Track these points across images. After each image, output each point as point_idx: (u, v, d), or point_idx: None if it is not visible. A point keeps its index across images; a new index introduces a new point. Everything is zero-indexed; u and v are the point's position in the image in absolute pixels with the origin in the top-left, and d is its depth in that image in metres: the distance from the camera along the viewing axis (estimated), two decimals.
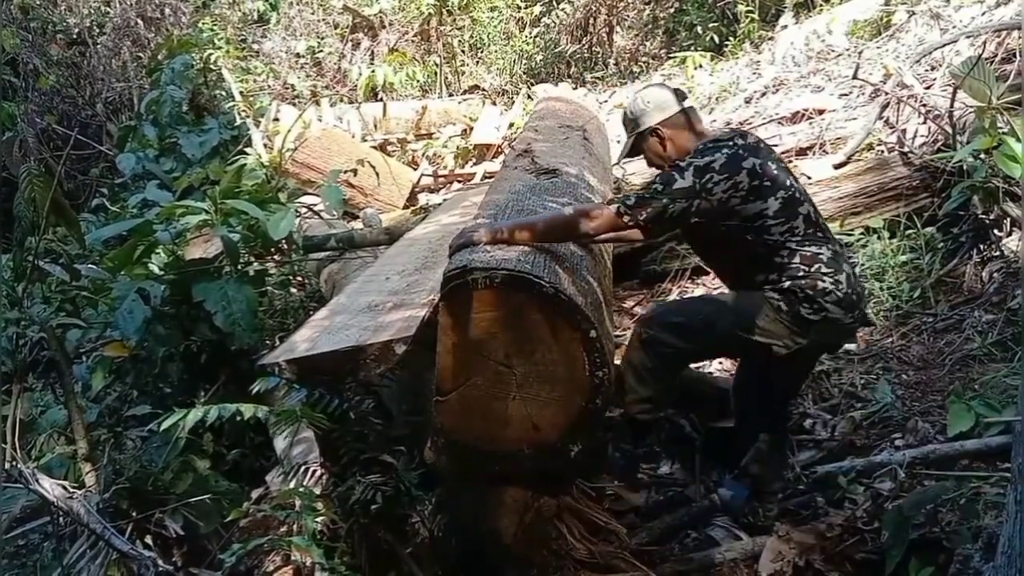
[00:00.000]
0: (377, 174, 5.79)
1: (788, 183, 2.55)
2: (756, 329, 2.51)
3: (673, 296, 4.29)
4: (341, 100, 9.27)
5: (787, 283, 2.48)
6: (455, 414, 2.21)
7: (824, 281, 2.48)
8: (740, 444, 2.83)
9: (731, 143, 2.52)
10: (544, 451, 2.23)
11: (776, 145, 5.22)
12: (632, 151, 2.75)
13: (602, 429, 2.41)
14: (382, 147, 7.94)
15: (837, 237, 2.85)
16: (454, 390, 2.19)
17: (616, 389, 2.58)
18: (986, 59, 4.31)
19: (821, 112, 5.58)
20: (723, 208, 2.45)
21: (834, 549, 2.54)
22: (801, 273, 2.48)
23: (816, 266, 2.48)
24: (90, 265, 3.75)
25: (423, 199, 7.31)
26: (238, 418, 2.45)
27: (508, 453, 2.23)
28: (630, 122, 2.68)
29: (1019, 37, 4.67)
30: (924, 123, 4.66)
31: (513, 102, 8.75)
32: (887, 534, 2.44)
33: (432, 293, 2.86)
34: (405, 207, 7.12)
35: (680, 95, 2.64)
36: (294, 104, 8.70)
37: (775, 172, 2.53)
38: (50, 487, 2.41)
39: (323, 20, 10.84)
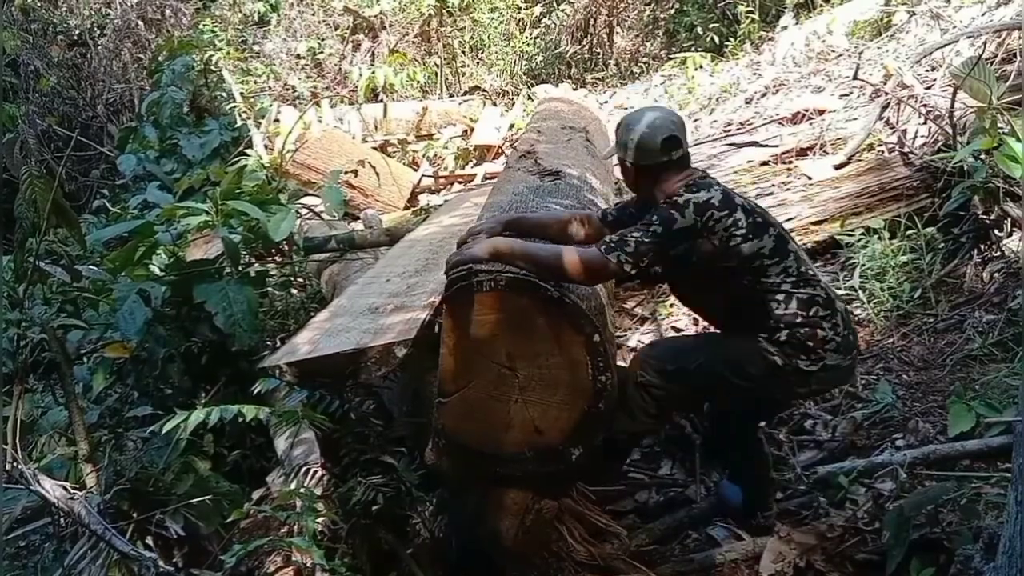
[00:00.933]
0: (378, 175, 5.81)
1: (773, 220, 2.48)
2: (753, 382, 2.42)
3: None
4: (341, 101, 9.27)
5: (784, 335, 2.36)
6: (457, 416, 2.21)
7: (823, 328, 2.37)
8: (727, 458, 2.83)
9: (717, 182, 2.45)
10: (546, 454, 2.24)
11: (776, 145, 5.24)
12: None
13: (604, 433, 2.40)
14: (382, 148, 7.94)
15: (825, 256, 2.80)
16: (456, 392, 2.19)
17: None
18: (986, 59, 4.31)
19: (821, 112, 5.58)
20: (724, 248, 2.33)
21: (835, 550, 2.53)
22: (799, 320, 2.36)
23: (814, 310, 2.37)
24: (91, 266, 3.76)
25: (424, 200, 7.31)
26: (240, 420, 2.46)
27: (510, 456, 2.24)
28: (617, 139, 2.53)
29: (1019, 37, 4.66)
30: (924, 123, 4.66)
31: (513, 103, 8.76)
32: (888, 534, 2.44)
33: (433, 295, 2.86)
34: (406, 208, 7.12)
35: (670, 144, 2.41)
36: (295, 105, 8.71)
37: (761, 209, 2.48)
38: (51, 488, 2.41)
39: (324, 21, 10.85)
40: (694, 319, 3.93)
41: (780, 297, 2.38)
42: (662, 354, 2.55)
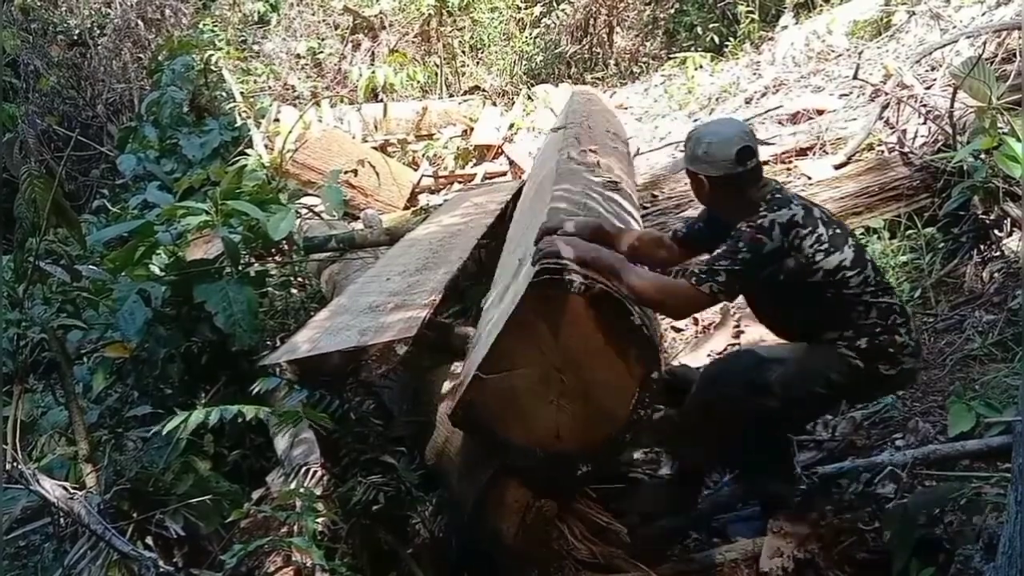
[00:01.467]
0: (377, 175, 5.81)
1: (848, 228, 2.47)
2: (835, 389, 2.43)
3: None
4: (341, 101, 9.25)
5: (864, 342, 2.38)
6: (489, 393, 2.19)
7: (900, 334, 2.40)
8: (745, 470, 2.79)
9: (793, 195, 2.42)
10: (556, 460, 2.24)
11: (776, 145, 5.24)
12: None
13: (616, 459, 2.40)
14: (382, 148, 7.94)
15: None
16: (500, 372, 2.17)
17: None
18: (986, 59, 4.31)
19: (821, 112, 5.58)
20: (809, 264, 2.32)
21: (832, 537, 2.53)
22: (879, 329, 2.38)
23: (892, 318, 2.40)
24: (91, 266, 3.75)
25: (424, 200, 7.31)
26: (240, 420, 2.46)
27: (520, 448, 2.23)
28: (687, 153, 2.46)
29: (1019, 37, 4.66)
30: (924, 123, 4.66)
31: (513, 103, 8.75)
32: (890, 534, 2.44)
33: (433, 293, 2.87)
34: (405, 208, 7.12)
35: (744, 155, 2.36)
36: (294, 105, 8.71)
37: (836, 218, 2.46)
38: (51, 488, 2.41)
39: (323, 21, 10.84)
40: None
41: (860, 308, 2.38)
42: (739, 368, 2.50)
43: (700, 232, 2.60)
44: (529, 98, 8.36)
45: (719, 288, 2.27)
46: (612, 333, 2.17)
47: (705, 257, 2.44)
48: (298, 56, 10.43)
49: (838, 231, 2.38)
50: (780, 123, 5.66)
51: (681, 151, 2.49)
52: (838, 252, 2.35)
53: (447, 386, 2.79)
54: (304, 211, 5.62)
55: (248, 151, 7.01)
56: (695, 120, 6.82)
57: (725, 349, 3.81)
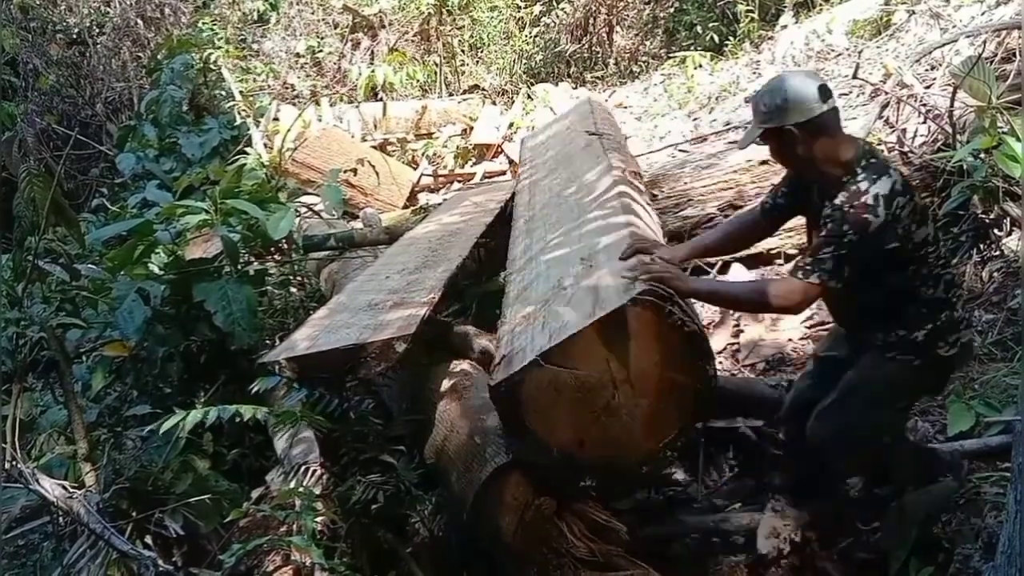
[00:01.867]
0: (377, 174, 5.81)
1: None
2: (912, 395, 2.47)
3: None
4: (341, 100, 9.26)
5: (921, 334, 2.32)
6: (538, 381, 2.15)
7: (958, 309, 2.37)
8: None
9: (883, 155, 2.33)
10: (566, 464, 2.24)
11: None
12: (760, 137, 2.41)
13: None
14: (382, 147, 7.94)
15: None
16: (558, 365, 2.14)
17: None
18: (986, 59, 4.31)
19: None
20: (906, 236, 2.22)
21: (830, 523, 2.55)
22: (940, 308, 2.32)
23: (953, 291, 2.36)
24: (90, 265, 3.75)
25: (423, 199, 7.32)
26: (237, 419, 2.45)
27: (537, 441, 2.22)
28: (762, 113, 2.33)
29: (1019, 37, 4.66)
30: (924, 123, 4.66)
31: (513, 102, 8.75)
32: (889, 533, 2.44)
33: (433, 291, 2.87)
34: (405, 207, 7.12)
35: (825, 92, 2.29)
36: (294, 104, 8.71)
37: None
38: (50, 487, 2.41)
39: (323, 20, 10.84)
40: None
41: (934, 281, 2.31)
42: (831, 435, 2.44)
43: (785, 200, 2.53)
44: (529, 97, 8.35)
45: (827, 277, 2.20)
46: (686, 374, 2.18)
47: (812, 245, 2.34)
48: (297, 55, 10.43)
49: (923, 204, 2.28)
50: None
51: (741, 125, 2.39)
52: (924, 225, 2.27)
53: (446, 384, 2.79)
54: (303, 210, 5.63)
55: (247, 150, 7.01)
56: (695, 120, 6.82)
57: (724, 348, 3.82)
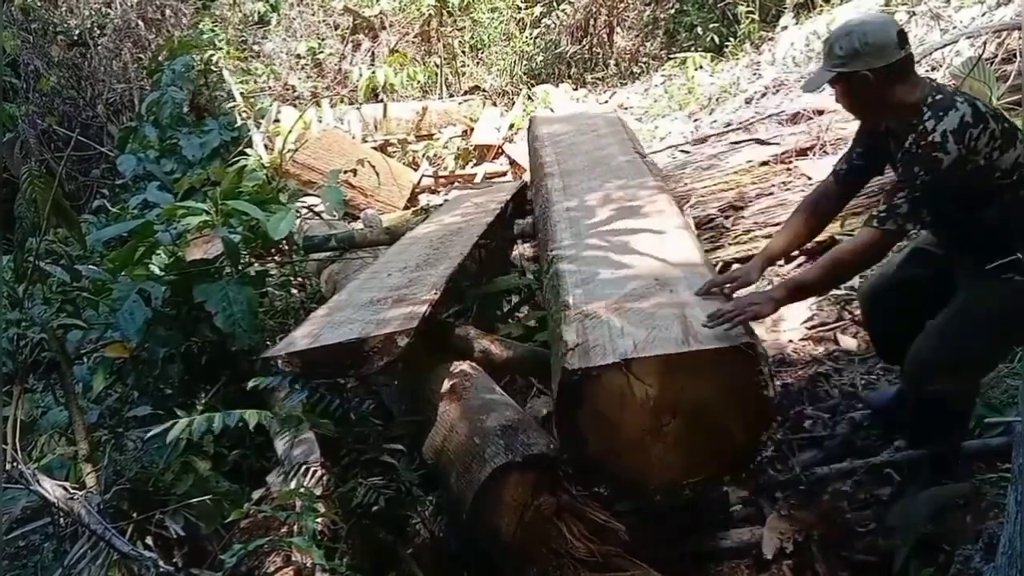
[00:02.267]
0: (377, 175, 5.81)
1: (1010, 119, 2.28)
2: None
3: None
4: (341, 101, 9.27)
5: None
6: (606, 384, 2.13)
7: None
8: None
9: (952, 90, 2.25)
10: (593, 467, 2.25)
11: (777, 145, 5.24)
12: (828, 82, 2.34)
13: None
14: (382, 148, 7.94)
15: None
16: (636, 376, 2.13)
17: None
18: (986, 59, 4.31)
19: (821, 112, 5.58)
20: (989, 166, 2.16)
21: (836, 521, 2.55)
22: None
23: None
24: (91, 266, 3.75)
25: (424, 200, 7.32)
26: (239, 424, 2.45)
27: (578, 438, 2.20)
28: (837, 56, 2.24)
29: (1019, 37, 4.67)
30: None
31: (513, 103, 8.76)
32: (895, 532, 2.44)
33: (435, 288, 2.88)
34: (405, 208, 7.13)
35: (903, 38, 2.21)
36: (295, 105, 8.72)
37: (999, 111, 2.31)
38: (51, 488, 2.41)
39: (323, 21, 10.85)
40: None
41: None
42: (934, 360, 2.37)
43: (863, 161, 2.48)
44: (529, 98, 8.36)
45: (903, 220, 2.17)
46: (733, 419, 2.17)
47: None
48: (298, 56, 10.44)
49: (1006, 125, 2.21)
50: (780, 123, 5.66)
51: (802, 75, 2.31)
52: (1012, 149, 2.19)
53: (446, 384, 2.79)
54: (304, 211, 5.63)
55: (248, 151, 7.02)
56: (695, 121, 6.82)
57: None
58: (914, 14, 6.44)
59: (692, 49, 8.62)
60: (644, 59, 9.99)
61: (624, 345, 2.17)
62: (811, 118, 5.54)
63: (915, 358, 2.43)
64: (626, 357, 2.11)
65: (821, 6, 7.95)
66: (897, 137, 2.29)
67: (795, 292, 2.32)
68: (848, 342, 3.61)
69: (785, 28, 7.90)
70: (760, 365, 2.13)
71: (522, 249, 4.84)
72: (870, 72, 2.21)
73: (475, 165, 7.79)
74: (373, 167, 5.43)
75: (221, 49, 8.67)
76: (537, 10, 10.41)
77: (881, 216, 2.20)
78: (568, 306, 2.47)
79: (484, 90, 10.10)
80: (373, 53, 10.38)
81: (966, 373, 2.39)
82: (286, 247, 4.14)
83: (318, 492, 2.58)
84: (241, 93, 8.22)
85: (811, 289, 2.32)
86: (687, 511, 2.63)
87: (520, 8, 10.47)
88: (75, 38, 9.56)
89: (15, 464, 2.45)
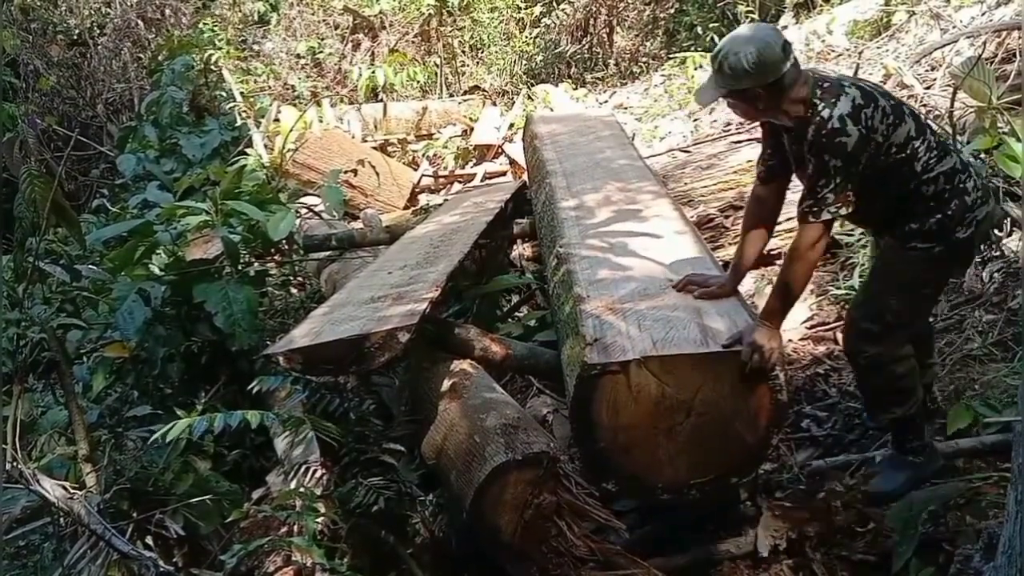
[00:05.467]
0: (377, 174, 5.82)
1: (895, 96, 2.39)
2: (936, 281, 2.51)
3: None
4: (341, 101, 9.27)
5: (934, 222, 2.35)
6: (633, 379, 2.14)
7: (968, 191, 2.37)
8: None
9: (836, 76, 2.35)
10: (604, 462, 2.25)
11: None
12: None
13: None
14: (382, 148, 7.94)
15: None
16: (654, 373, 2.15)
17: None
18: (986, 59, 4.32)
19: None
20: (885, 142, 2.27)
21: (830, 518, 2.56)
22: (948, 195, 2.35)
23: (957, 178, 2.37)
24: (91, 266, 3.76)
25: (423, 199, 7.32)
26: (240, 424, 2.45)
27: (592, 432, 2.21)
28: (727, 76, 2.30)
29: (1019, 37, 4.67)
30: None
31: (513, 103, 8.75)
32: (895, 531, 2.44)
33: (435, 286, 2.88)
34: (405, 207, 7.13)
35: (787, 49, 2.28)
36: (294, 105, 8.70)
37: (882, 87, 2.40)
38: (51, 488, 2.41)
39: (323, 21, 10.84)
40: None
41: (931, 176, 2.34)
42: (860, 322, 2.52)
43: (775, 159, 2.56)
44: (529, 98, 8.36)
45: (834, 209, 2.26)
46: (746, 420, 2.19)
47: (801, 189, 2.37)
48: (298, 56, 10.43)
49: (893, 102, 2.31)
50: None
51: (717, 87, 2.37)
52: (902, 124, 2.30)
53: (446, 384, 2.79)
54: (304, 211, 5.63)
55: (248, 151, 7.02)
56: (695, 120, 6.82)
57: None
58: (914, 14, 6.44)
59: (692, 49, 8.61)
60: (644, 59, 9.98)
61: (643, 343, 2.18)
62: None
63: (846, 326, 2.61)
64: (646, 354, 2.12)
65: (821, 6, 7.94)
66: (791, 132, 2.38)
67: (784, 307, 2.36)
68: None
69: (785, 28, 7.89)
70: (777, 369, 2.15)
71: (522, 249, 4.84)
72: (762, 90, 2.29)
73: (475, 165, 7.79)
74: (373, 167, 5.44)
75: (221, 49, 8.66)
76: (537, 10, 10.40)
77: (813, 211, 2.28)
78: (583, 300, 2.48)
79: (484, 90, 10.09)
80: (373, 53, 10.38)
81: (889, 333, 2.48)
82: (286, 247, 4.14)
83: (318, 492, 2.58)
84: (241, 93, 8.22)
85: (790, 298, 2.36)
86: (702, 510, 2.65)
87: (520, 8, 10.46)
88: (75, 38, 9.57)
89: (15, 464, 2.45)
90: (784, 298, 2.36)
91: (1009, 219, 3.82)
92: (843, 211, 2.29)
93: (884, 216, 2.48)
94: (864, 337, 2.50)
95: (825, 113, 2.23)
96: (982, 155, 3.77)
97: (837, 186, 2.24)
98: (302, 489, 2.52)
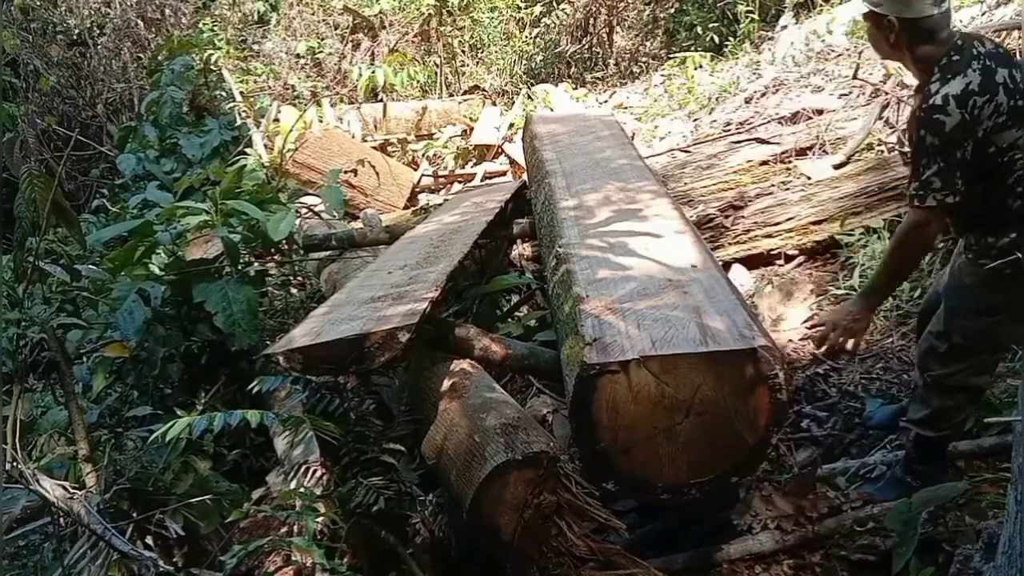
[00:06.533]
0: (377, 174, 5.82)
1: None
2: (1003, 307, 2.31)
3: None
4: (341, 101, 9.27)
5: (1006, 242, 2.19)
6: (635, 380, 2.13)
7: None
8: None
9: (975, 52, 2.14)
10: (603, 462, 2.23)
11: (776, 145, 5.24)
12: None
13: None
14: (382, 147, 7.95)
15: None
16: (653, 373, 2.14)
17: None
18: None
19: (821, 112, 5.58)
20: (985, 138, 2.10)
21: (813, 517, 2.57)
22: None
23: None
24: (90, 266, 3.75)
25: (423, 199, 7.32)
26: (241, 424, 2.45)
27: (591, 432, 2.19)
28: None
29: (1019, 37, 4.66)
30: None
31: (513, 103, 8.75)
32: (896, 531, 2.44)
33: (436, 284, 2.88)
34: (405, 207, 7.13)
35: None
36: (294, 105, 8.71)
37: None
38: (51, 488, 2.41)
39: (323, 21, 10.84)
40: None
41: (1012, 198, 2.19)
42: (931, 338, 2.42)
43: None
44: (529, 98, 8.36)
45: (941, 196, 2.12)
46: (745, 420, 2.17)
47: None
48: (298, 56, 10.43)
49: (1019, 102, 2.12)
50: (780, 123, 5.66)
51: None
52: (1015, 129, 2.12)
53: (446, 384, 2.79)
54: (304, 211, 5.63)
55: (248, 151, 7.02)
56: (695, 120, 6.82)
57: None
58: None
59: (692, 48, 8.62)
60: (644, 59, 9.99)
61: (642, 342, 2.18)
62: (811, 118, 5.54)
63: (921, 344, 2.50)
64: (645, 354, 2.13)
65: (821, 6, 7.94)
66: (915, 96, 2.26)
67: (881, 296, 2.32)
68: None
69: (785, 27, 7.90)
70: (777, 368, 2.14)
71: (522, 249, 4.84)
72: (897, 20, 2.18)
73: (475, 165, 7.79)
74: (373, 167, 5.44)
75: (221, 49, 8.66)
76: (537, 10, 10.40)
77: (918, 195, 2.16)
78: (582, 300, 2.48)
79: (484, 90, 10.09)
80: (373, 52, 10.38)
81: (956, 355, 2.40)
82: (286, 247, 4.14)
83: (318, 492, 2.58)
84: (241, 93, 8.22)
85: (885, 288, 2.32)
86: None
87: (520, 8, 10.46)
88: (75, 38, 9.57)
89: (15, 464, 2.45)
90: (885, 280, 2.27)
91: None
92: (950, 200, 2.12)
93: (970, 219, 2.30)
94: (931, 354, 2.42)
95: (934, 87, 2.13)
96: None
97: (941, 170, 2.10)
98: (302, 489, 2.52)
